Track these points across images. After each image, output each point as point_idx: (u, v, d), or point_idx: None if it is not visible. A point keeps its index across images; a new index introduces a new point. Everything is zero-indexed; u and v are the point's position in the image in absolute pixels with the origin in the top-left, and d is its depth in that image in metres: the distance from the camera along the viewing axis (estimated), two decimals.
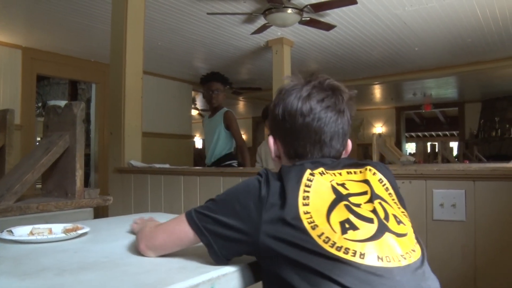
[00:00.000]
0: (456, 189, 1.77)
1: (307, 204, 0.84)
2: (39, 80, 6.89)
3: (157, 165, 3.12)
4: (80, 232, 1.19)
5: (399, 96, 10.94)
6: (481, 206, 1.72)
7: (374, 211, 0.85)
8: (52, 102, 7.73)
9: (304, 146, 1.00)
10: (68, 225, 1.25)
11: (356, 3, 4.02)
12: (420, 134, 17.19)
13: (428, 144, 9.90)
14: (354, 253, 0.78)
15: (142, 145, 3.38)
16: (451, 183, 1.79)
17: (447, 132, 16.37)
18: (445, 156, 7.67)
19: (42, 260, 0.94)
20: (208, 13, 4.50)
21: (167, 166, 3.24)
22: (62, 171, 1.82)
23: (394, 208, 0.90)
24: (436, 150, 8.26)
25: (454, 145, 11.76)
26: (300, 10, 4.33)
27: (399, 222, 0.87)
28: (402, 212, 0.92)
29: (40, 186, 1.99)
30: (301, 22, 4.55)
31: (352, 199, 0.87)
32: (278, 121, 1.03)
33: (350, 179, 0.93)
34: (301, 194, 0.85)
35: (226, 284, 0.86)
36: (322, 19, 4.67)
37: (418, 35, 5.46)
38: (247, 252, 0.90)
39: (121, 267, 0.88)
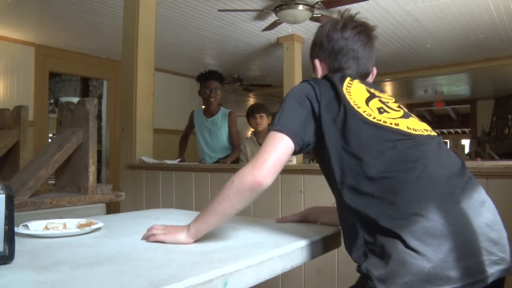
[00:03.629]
0: None
1: (349, 94, 1.13)
2: (51, 77, 6.94)
3: (169, 161, 3.14)
4: (94, 227, 1.20)
5: (410, 93, 10.85)
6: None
7: (399, 107, 1.17)
8: (64, 99, 7.79)
9: (347, 61, 1.27)
10: (82, 220, 1.26)
11: None
12: None
13: None
14: (391, 123, 1.08)
15: (153, 142, 3.40)
16: None
17: (458, 130, 16.21)
18: (457, 154, 7.58)
19: (57, 254, 0.96)
20: (219, 10, 4.50)
21: (177, 161, 3.25)
22: (75, 167, 1.84)
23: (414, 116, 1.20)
24: (448, 147, 8.18)
25: (465, 142, 11.66)
26: (311, 6, 4.32)
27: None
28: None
29: (52, 182, 2.01)
30: (312, 19, 4.54)
31: (382, 98, 1.18)
32: (324, 44, 1.30)
33: (379, 94, 1.22)
34: (345, 88, 1.14)
35: (240, 279, 0.86)
36: (333, 16, 4.65)
37: (430, 31, 5.41)
38: (314, 140, 1.13)
39: (135, 262, 0.89)
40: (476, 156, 8.19)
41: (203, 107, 3.76)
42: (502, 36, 5.61)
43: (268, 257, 0.96)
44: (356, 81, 1.19)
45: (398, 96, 11.19)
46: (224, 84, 3.70)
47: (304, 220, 1.41)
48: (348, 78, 1.18)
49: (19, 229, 1.12)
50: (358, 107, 1.09)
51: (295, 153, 1.10)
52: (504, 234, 0.97)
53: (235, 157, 3.62)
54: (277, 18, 4.57)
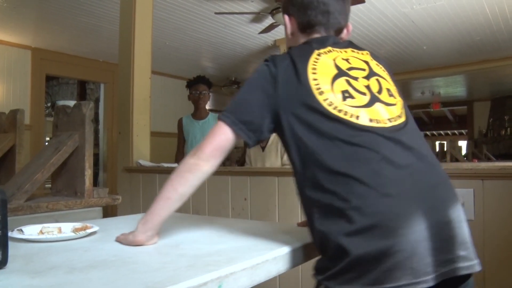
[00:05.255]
0: (465, 188, 1.76)
1: (315, 73, 1.05)
2: (48, 80, 6.94)
3: (166, 165, 3.14)
4: (89, 231, 1.20)
5: (407, 95, 10.88)
6: (489, 205, 1.71)
7: (368, 87, 1.07)
8: (61, 102, 7.78)
9: (316, 16, 1.18)
10: (77, 224, 1.26)
11: (364, 1, 4.01)
12: (428, 133, 17.07)
13: (437, 143, 9.84)
14: (351, 116, 1.00)
15: (150, 145, 3.40)
16: (459, 182, 1.78)
17: (455, 131, 16.23)
18: (454, 155, 7.61)
19: (52, 258, 0.95)
20: (215, 13, 4.51)
21: (175, 165, 3.24)
22: (71, 170, 1.84)
23: (390, 84, 1.12)
24: (445, 149, 8.20)
25: (462, 144, 11.68)
26: None
27: (390, 95, 1.09)
28: (395, 88, 1.13)
29: (49, 185, 2.01)
30: None
31: (352, 72, 1.08)
32: None
33: (354, 56, 1.13)
34: (310, 66, 1.06)
35: (234, 282, 0.86)
36: None
37: (426, 33, 5.43)
38: (272, 128, 1.08)
39: (130, 266, 0.89)
40: (473, 157, 8.20)
41: (192, 113, 3.97)
42: (497, 38, 5.63)
43: (263, 259, 0.96)
44: (324, 54, 1.10)
45: None
46: (211, 88, 3.98)
47: None
48: (316, 52, 1.09)
49: (13, 234, 1.12)
50: (321, 93, 1.01)
51: (251, 143, 1.08)
52: (466, 232, 0.93)
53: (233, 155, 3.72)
54: (273, 21, 4.58)
